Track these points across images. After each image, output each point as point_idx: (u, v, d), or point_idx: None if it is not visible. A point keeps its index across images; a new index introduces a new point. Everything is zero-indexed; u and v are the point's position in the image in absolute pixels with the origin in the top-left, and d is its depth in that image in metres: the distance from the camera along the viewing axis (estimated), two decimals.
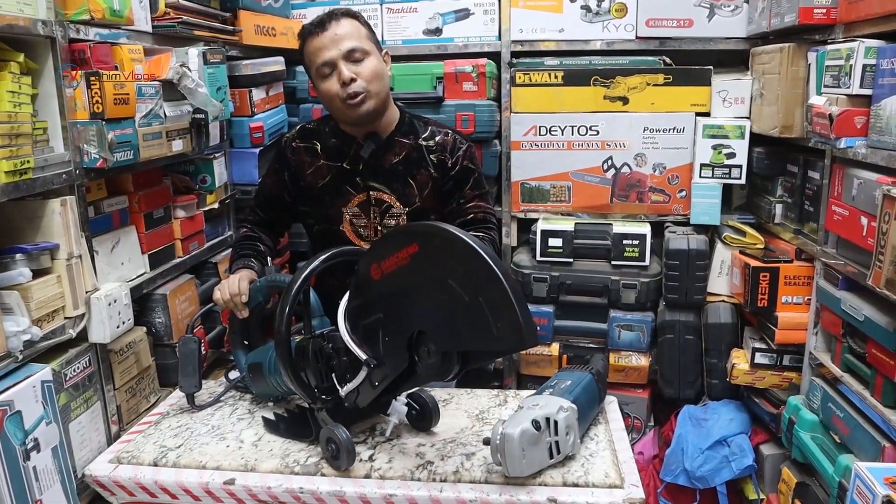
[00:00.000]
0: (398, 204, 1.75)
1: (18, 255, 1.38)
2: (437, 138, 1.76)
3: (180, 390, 1.65)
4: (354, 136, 1.75)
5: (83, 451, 1.51)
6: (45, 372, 1.36)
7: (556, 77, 2.42)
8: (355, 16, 1.69)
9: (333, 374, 1.37)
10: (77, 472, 1.47)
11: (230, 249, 2.26)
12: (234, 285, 1.60)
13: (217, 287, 1.65)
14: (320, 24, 1.65)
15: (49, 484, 1.33)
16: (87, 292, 1.51)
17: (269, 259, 1.79)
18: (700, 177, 2.35)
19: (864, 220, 1.65)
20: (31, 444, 1.29)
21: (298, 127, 1.85)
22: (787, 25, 1.99)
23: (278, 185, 1.83)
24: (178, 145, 1.80)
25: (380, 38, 2.54)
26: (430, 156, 1.75)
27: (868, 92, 1.65)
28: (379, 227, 1.77)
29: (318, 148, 1.79)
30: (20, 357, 1.33)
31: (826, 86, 1.83)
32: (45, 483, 1.32)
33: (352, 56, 1.64)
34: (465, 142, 1.80)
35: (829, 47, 1.82)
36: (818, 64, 1.88)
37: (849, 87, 1.69)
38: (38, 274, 1.41)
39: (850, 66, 1.68)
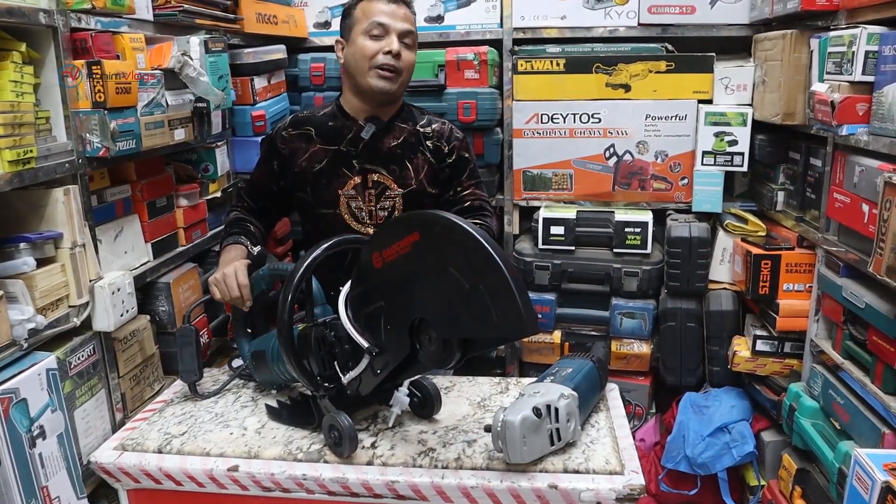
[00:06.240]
0: (394, 185, 1.77)
1: (22, 244, 1.38)
2: (433, 126, 1.82)
3: (181, 380, 1.66)
4: (356, 118, 1.76)
5: (88, 439, 1.53)
6: (49, 360, 1.37)
7: (557, 64, 2.42)
8: (413, 10, 1.78)
9: (336, 362, 1.38)
10: (82, 458, 1.48)
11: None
12: (232, 280, 1.57)
13: (212, 280, 1.62)
14: None
15: (55, 471, 1.35)
16: (90, 281, 1.52)
17: (258, 242, 1.77)
18: (702, 164, 2.35)
19: (866, 208, 1.65)
20: (37, 432, 1.30)
21: (290, 117, 1.86)
22: (789, 11, 1.98)
23: (267, 174, 1.84)
24: (180, 134, 1.80)
25: None
26: (427, 142, 1.80)
27: (870, 79, 1.65)
28: (374, 210, 1.78)
29: (313, 133, 1.79)
30: (25, 345, 1.34)
31: (828, 72, 1.82)
32: (50, 470, 1.33)
33: (404, 39, 1.71)
34: (461, 132, 1.87)
35: (832, 34, 1.81)
36: (820, 50, 1.87)
37: (851, 74, 1.69)
38: (42, 263, 1.41)
39: (853, 52, 1.67)
